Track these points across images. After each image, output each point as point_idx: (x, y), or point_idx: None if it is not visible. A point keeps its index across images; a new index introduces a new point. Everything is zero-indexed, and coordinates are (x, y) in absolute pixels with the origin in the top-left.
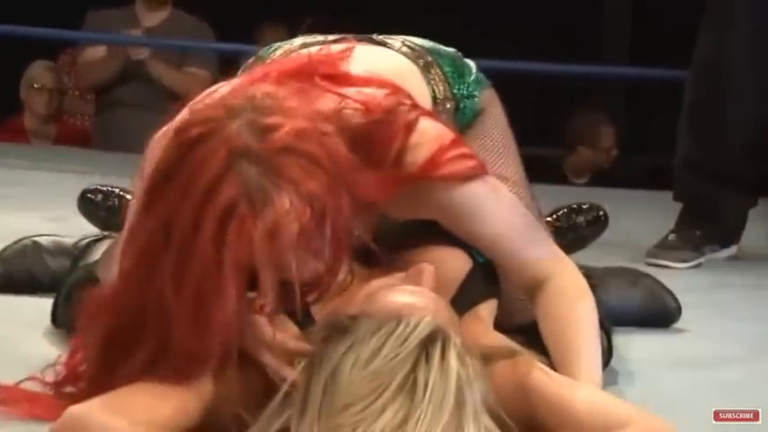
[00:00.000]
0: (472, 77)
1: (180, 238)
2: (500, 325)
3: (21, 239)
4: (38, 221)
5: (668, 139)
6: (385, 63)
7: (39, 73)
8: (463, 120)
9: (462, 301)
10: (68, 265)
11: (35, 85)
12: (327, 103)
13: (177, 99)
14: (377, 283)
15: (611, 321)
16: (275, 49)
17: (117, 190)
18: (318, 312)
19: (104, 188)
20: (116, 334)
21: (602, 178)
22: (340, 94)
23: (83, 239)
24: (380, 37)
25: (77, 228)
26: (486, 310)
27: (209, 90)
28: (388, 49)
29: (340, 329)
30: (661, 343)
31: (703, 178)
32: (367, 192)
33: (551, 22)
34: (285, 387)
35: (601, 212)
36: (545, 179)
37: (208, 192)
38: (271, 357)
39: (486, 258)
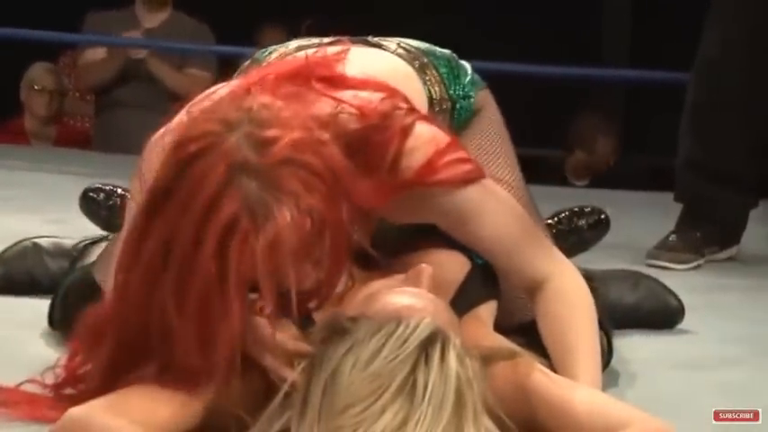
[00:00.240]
0: (468, 78)
1: (181, 254)
2: (500, 324)
3: (21, 241)
4: (38, 223)
5: (668, 141)
6: (381, 65)
7: (39, 75)
8: (459, 120)
9: (461, 302)
10: (68, 267)
11: (35, 87)
12: (323, 107)
13: (178, 100)
14: (376, 284)
15: (611, 322)
16: (271, 53)
17: (119, 189)
18: (318, 314)
19: (106, 187)
20: (121, 352)
21: (603, 180)
22: (336, 99)
23: (83, 241)
24: (376, 39)
25: (78, 229)
26: (486, 311)
27: (207, 92)
28: (383, 51)
29: (340, 331)
30: (661, 344)
31: (704, 179)
32: (365, 198)
33: (551, 24)
34: (285, 388)
35: (602, 215)
36: (545, 181)
37: (208, 207)
38: (271, 358)
39: (484, 260)
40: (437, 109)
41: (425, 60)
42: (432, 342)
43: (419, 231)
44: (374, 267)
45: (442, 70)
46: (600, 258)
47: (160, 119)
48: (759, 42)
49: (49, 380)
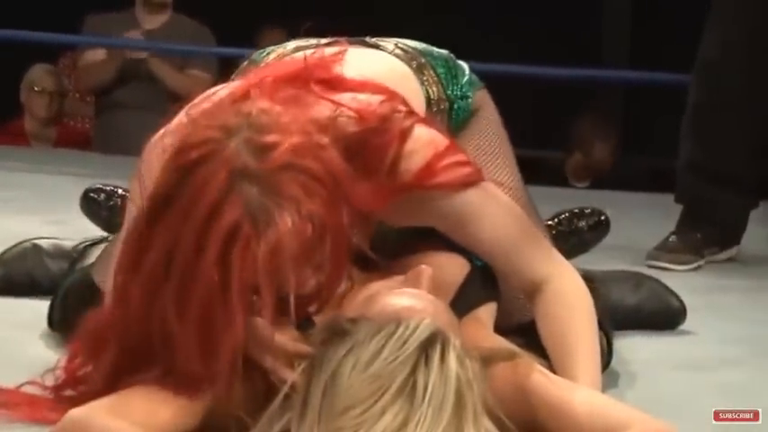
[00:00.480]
0: (465, 78)
1: (183, 262)
2: (500, 325)
3: (21, 242)
4: (38, 224)
5: (668, 142)
6: (378, 66)
7: (39, 76)
8: (457, 121)
9: (461, 304)
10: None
11: (35, 89)
12: (322, 110)
13: (178, 100)
14: (376, 285)
15: (612, 323)
16: (268, 53)
17: (119, 190)
18: (318, 316)
19: (107, 188)
20: (124, 358)
21: (603, 181)
22: (334, 102)
23: (83, 242)
24: (373, 40)
25: (78, 230)
26: (486, 312)
27: (206, 94)
28: (381, 52)
29: (340, 332)
30: (661, 345)
31: (705, 180)
32: (364, 202)
33: (551, 25)
34: (285, 389)
35: (603, 217)
36: (545, 182)
37: (210, 214)
38: (271, 360)
39: (484, 262)
40: (434, 109)
41: (423, 60)
42: (432, 343)
43: (418, 233)
44: (373, 269)
45: (440, 70)
46: (600, 259)
47: (160, 120)
48: (759, 44)
49: (49, 381)
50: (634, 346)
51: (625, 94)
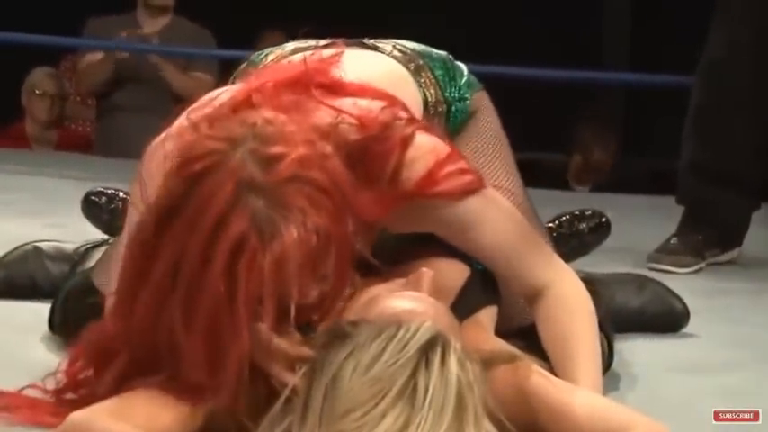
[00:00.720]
0: (464, 80)
1: (189, 273)
2: (500, 328)
3: (22, 245)
4: (39, 227)
5: (668, 144)
6: (376, 68)
7: (40, 79)
8: (455, 123)
9: (462, 308)
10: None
11: (36, 92)
12: (323, 117)
13: (182, 102)
14: (377, 288)
15: (614, 326)
16: (267, 55)
17: (120, 193)
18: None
19: (108, 191)
20: (131, 367)
21: (603, 183)
22: (336, 109)
23: (84, 245)
24: (371, 41)
25: (79, 233)
26: (486, 316)
27: (207, 97)
28: (379, 54)
29: (340, 335)
30: (662, 347)
31: (707, 181)
32: (367, 211)
33: (551, 27)
34: (286, 393)
35: (603, 219)
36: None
37: (217, 226)
38: (272, 364)
39: (484, 266)
40: (432, 112)
41: (421, 62)
42: (432, 346)
43: (417, 239)
44: (374, 275)
45: (438, 72)
46: (601, 262)
47: (161, 123)
48: (765, 44)
49: (50, 385)
50: (635, 349)
51: (625, 95)
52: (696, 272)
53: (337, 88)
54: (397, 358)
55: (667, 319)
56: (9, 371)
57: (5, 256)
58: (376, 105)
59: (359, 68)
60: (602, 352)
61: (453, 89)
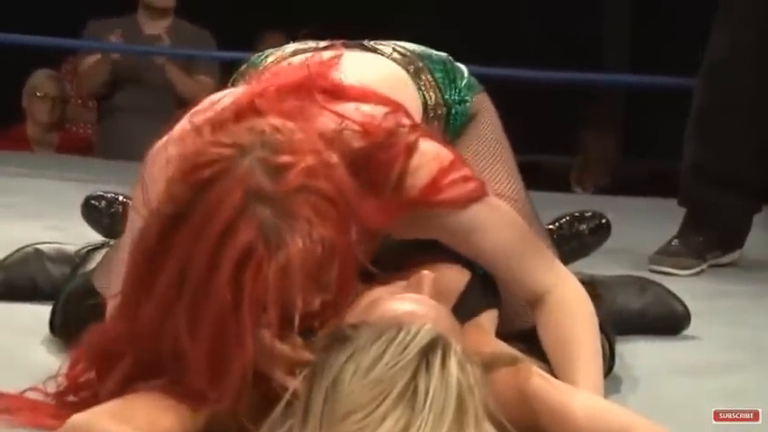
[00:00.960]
0: (464, 82)
1: (195, 280)
2: (501, 332)
3: (23, 247)
4: (40, 230)
5: (669, 146)
6: (376, 71)
7: (41, 81)
8: (455, 125)
9: (462, 311)
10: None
11: (37, 94)
12: (327, 122)
13: (185, 105)
14: (377, 291)
15: (615, 328)
16: (267, 56)
17: (121, 197)
18: None
19: (108, 195)
20: (136, 371)
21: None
22: (339, 115)
23: (85, 247)
24: (371, 43)
25: (80, 236)
26: (487, 319)
27: (208, 100)
28: (379, 56)
29: (341, 338)
30: (663, 350)
31: (708, 183)
32: (371, 219)
33: (552, 29)
34: (287, 396)
35: (603, 220)
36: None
37: (224, 234)
38: (274, 368)
39: (484, 270)
40: (431, 115)
41: (420, 65)
42: (433, 348)
43: (419, 242)
44: (375, 279)
45: (438, 75)
46: (602, 264)
47: (162, 125)
48: (765, 43)
49: (51, 388)
50: (636, 351)
51: (626, 97)
52: (697, 274)
53: (340, 93)
54: (397, 361)
55: (668, 321)
56: (10, 373)
57: (6, 258)
58: (379, 111)
59: (359, 71)
60: (604, 355)
61: (453, 91)
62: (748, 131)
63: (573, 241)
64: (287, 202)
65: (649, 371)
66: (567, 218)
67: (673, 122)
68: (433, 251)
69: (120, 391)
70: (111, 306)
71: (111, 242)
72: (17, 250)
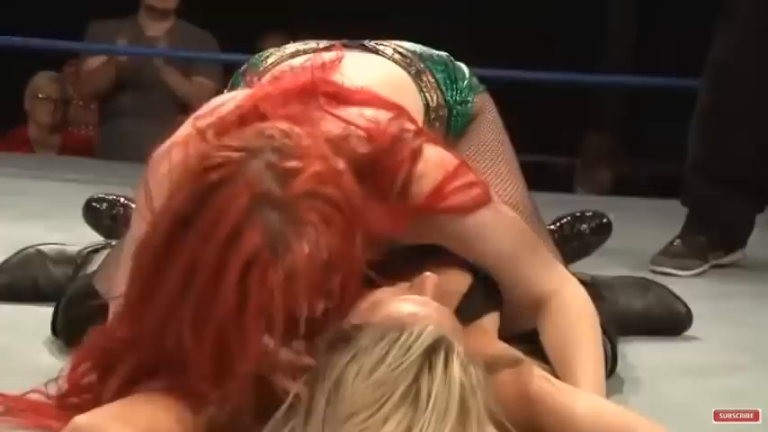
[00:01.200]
0: (465, 82)
1: (201, 283)
2: (503, 333)
3: (25, 248)
4: (42, 231)
5: (670, 146)
6: (377, 73)
7: (43, 83)
8: (456, 126)
9: (464, 313)
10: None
11: (39, 96)
12: (331, 127)
13: (185, 107)
14: (380, 292)
15: (617, 329)
16: (267, 57)
17: (122, 199)
18: None
19: (109, 197)
20: (138, 372)
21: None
22: (344, 120)
23: (87, 248)
24: (372, 43)
25: (81, 237)
26: (489, 321)
27: (211, 104)
28: (380, 57)
29: (343, 339)
30: (666, 351)
31: (711, 182)
32: (377, 226)
33: (553, 30)
34: (289, 399)
35: (605, 220)
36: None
37: (231, 238)
38: (277, 372)
39: (486, 273)
40: (433, 116)
41: (421, 66)
42: (435, 350)
43: (420, 246)
44: (377, 283)
45: (439, 75)
46: (603, 265)
47: (164, 127)
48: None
49: (53, 390)
50: (638, 352)
51: (627, 98)
52: (699, 274)
53: (343, 97)
54: (400, 362)
55: (670, 322)
56: (12, 374)
57: (8, 259)
58: (382, 116)
59: (360, 73)
60: (606, 356)
61: (455, 92)
62: (752, 132)
63: (574, 241)
64: (294, 207)
65: (651, 371)
66: (568, 218)
67: (675, 123)
68: (436, 253)
69: (123, 392)
70: (114, 308)
71: (113, 242)
72: (19, 251)
